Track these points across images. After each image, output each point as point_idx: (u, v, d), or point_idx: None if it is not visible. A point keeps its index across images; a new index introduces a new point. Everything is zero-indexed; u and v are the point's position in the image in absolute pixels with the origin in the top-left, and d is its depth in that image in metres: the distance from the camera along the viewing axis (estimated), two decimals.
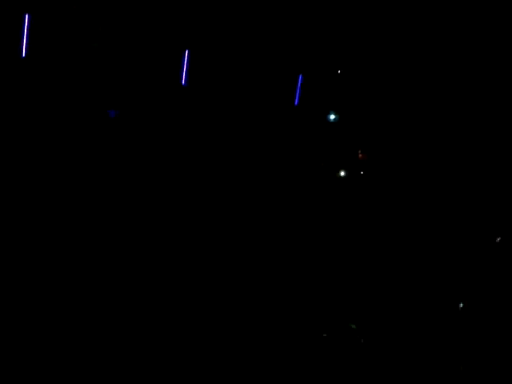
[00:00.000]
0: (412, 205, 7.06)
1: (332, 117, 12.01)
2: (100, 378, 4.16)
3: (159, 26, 8.69)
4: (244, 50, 9.94)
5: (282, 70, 10.95)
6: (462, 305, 4.57)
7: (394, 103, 11.09)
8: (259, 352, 4.57)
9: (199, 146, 9.52)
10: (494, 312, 5.14)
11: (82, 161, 7.13)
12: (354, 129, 11.54)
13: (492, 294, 5.36)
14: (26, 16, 8.36)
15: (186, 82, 10.38)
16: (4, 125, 7.61)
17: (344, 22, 8.83)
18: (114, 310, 4.66)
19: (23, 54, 8.48)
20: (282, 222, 6.80)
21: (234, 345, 4.59)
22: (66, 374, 4.07)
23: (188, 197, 6.97)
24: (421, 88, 10.63)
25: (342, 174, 8.69)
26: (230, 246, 6.05)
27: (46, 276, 4.87)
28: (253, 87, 10.84)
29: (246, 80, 10.78)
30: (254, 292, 5.29)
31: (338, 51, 10.32)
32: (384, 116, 11.32)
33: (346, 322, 5.08)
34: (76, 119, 8.78)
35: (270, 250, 6.11)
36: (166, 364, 4.39)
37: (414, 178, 7.79)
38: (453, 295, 5.30)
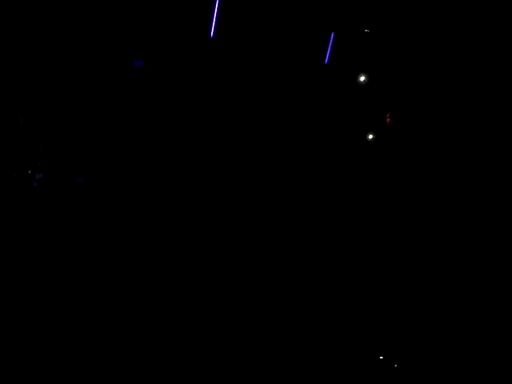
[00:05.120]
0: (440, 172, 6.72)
1: (362, 78, 11.51)
2: (100, 377, 4.20)
3: None
4: (276, 3, 9.52)
5: (315, 27, 10.44)
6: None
7: (426, 69, 10.51)
8: (261, 354, 4.53)
9: (225, 97, 9.34)
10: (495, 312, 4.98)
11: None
12: (384, 91, 11.06)
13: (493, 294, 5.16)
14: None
15: (215, 34, 10.08)
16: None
17: None
18: (113, 309, 4.65)
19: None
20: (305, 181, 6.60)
21: (234, 346, 4.56)
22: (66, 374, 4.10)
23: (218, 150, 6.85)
24: (457, 55, 10.00)
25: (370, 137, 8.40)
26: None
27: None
28: (283, 42, 10.43)
29: (276, 35, 10.36)
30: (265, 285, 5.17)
31: (372, 10, 9.77)
32: (416, 80, 10.78)
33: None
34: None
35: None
36: (165, 364, 4.39)
37: (443, 145, 7.43)
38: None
